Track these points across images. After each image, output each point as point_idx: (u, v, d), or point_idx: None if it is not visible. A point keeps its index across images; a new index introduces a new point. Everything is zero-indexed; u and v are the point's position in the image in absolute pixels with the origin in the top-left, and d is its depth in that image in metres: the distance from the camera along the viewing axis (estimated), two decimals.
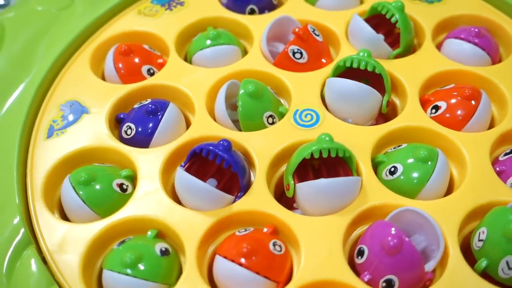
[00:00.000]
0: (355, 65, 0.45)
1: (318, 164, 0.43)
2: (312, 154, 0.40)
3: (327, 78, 0.47)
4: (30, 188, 0.43)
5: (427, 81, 0.47)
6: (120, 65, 0.50)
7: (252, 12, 0.55)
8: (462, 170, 0.42)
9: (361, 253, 0.37)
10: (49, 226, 0.41)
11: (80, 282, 0.38)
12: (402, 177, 0.41)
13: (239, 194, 0.41)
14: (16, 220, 0.41)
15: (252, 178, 0.42)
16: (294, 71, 0.48)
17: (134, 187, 0.43)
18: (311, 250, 0.38)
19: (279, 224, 0.40)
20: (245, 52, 0.52)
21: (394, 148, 0.44)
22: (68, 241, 0.40)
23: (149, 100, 0.47)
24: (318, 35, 0.49)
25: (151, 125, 0.45)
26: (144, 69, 0.50)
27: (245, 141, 0.44)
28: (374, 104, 0.45)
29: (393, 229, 0.36)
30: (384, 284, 0.36)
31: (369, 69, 0.45)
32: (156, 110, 0.45)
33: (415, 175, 0.41)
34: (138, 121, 0.46)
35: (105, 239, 0.40)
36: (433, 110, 0.45)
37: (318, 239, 0.39)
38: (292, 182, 0.40)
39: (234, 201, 0.41)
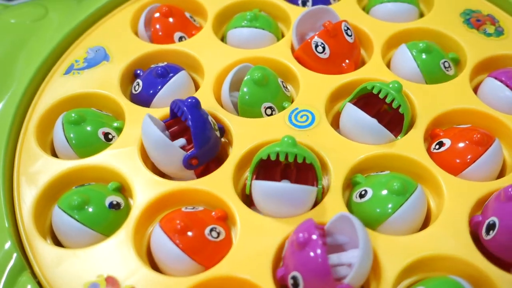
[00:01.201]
0: (381, 96, 0.42)
1: (294, 166, 0.42)
2: (278, 155, 0.38)
3: (340, 84, 0.45)
4: (19, 210, 0.41)
5: (440, 116, 0.44)
6: (157, 26, 0.51)
7: (304, 4, 0.54)
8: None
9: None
10: (42, 250, 0.39)
11: None
12: (368, 204, 0.39)
13: (192, 151, 0.41)
14: (7, 245, 0.39)
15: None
16: (313, 64, 0.47)
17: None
18: (242, 246, 0.37)
19: (229, 212, 0.39)
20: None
21: (377, 172, 0.41)
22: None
23: (165, 63, 0.48)
24: (350, 35, 0.47)
25: (156, 86, 0.46)
26: (177, 35, 0.51)
27: (233, 125, 0.44)
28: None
29: (309, 224, 0.35)
30: (291, 281, 0.35)
31: (394, 106, 0.42)
32: (165, 73, 0.46)
33: (380, 205, 0.38)
34: (147, 80, 0.47)
35: None
36: (437, 146, 0.42)
37: (254, 237, 0.38)
38: (250, 179, 0.40)
39: (188, 155, 0.41)
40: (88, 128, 0.44)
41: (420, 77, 0.46)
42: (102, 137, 0.44)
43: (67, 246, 0.40)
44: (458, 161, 0.41)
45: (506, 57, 0.47)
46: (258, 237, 0.38)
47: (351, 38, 0.47)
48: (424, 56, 0.46)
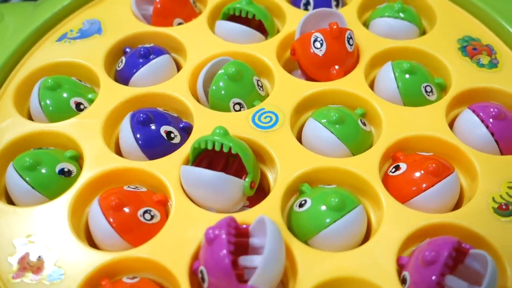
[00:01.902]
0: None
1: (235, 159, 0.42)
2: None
3: (313, 92, 0.45)
4: None
5: (404, 140, 0.43)
6: (158, 6, 0.52)
7: (306, 7, 0.53)
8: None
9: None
10: None
11: None
12: (305, 214, 0.38)
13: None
14: None
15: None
16: (304, 60, 0.47)
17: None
18: (168, 232, 0.38)
19: (170, 197, 0.40)
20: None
21: (325, 185, 0.41)
22: None
23: (151, 45, 0.49)
24: (351, 45, 0.47)
25: (137, 65, 0.47)
26: (176, 21, 0.52)
27: (196, 115, 0.44)
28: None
29: (223, 222, 0.35)
30: (200, 275, 0.35)
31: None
32: (147, 54, 0.47)
33: (316, 218, 0.38)
34: (130, 59, 0.48)
35: None
36: (393, 169, 0.41)
37: (182, 226, 0.38)
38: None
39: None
40: (63, 95, 0.46)
41: (398, 98, 0.45)
42: (73, 106, 0.46)
43: (17, 205, 0.41)
44: (409, 187, 0.40)
45: (490, 90, 0.45)
46: (186, 226, 0.38)
47: (351, 48, 0.47)
48: (407, 76, 0.45)
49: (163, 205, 0.40)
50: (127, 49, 0.49)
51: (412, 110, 0.44)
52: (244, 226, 0.37)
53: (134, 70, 0.47)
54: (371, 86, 0.47)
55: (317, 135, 0.43)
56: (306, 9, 0.53)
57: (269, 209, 0.39)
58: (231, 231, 0.34)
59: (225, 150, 0.39)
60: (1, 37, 0.50)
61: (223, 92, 0.45)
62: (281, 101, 0.45)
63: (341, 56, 0.46)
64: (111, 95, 0.46)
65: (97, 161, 0.42)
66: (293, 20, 0.50)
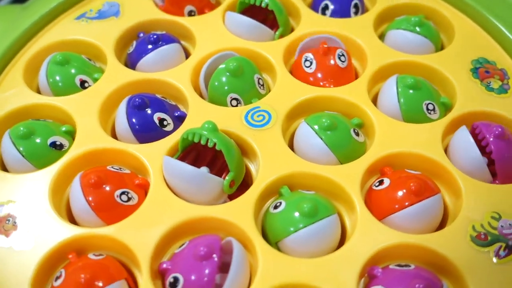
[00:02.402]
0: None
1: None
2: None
3: (312, 97, 0.45)
4: None
5: (393, 155, 0.42)
6: None
7: (323, 12, 0.53)
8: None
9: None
10: None
11: None
12: (277, 216, 0.38)
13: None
14: None
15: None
16: (300, 76, 0.47)
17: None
18: (139, 216, 0.39)
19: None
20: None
21: (304, 190, 0.40)
22: None
23: (163, 32, 0.50)
24: (343, 61, 0.47)
25: (146, 51, 0.48)
26: (188, 8, 0.53)
27: (193, 106, 0.45)
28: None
29: (214, 241, 0.36)
30: (171, 280, 0.36)
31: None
32: (156, 41, 0.48)
33: (286, 221, 0.38)
34: (140, 44, 0.49)
35: None
36: (377, 183, 0.40)
37: (154, 211, 0.39)
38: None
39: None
40: (70, 71, 0.47)
41: (398, 112, 0.44)
42: (78, 83, 0.47)
43: (10, 171, 0.43)
44: (389, 204, 0.39)
45: (494, 115, 0.44)
46: (158, 212, 0.39)
47: (343, 64, 0.46)
48: (410, 92, 0.44)
49: (143, 189, 0.41)
50: (141, 34, 0.50)
51: (408, 126, 0.43)
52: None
53: (142, 55, 0.48)
54: (377, 97, 0.46)
55: (306, 140, 0.42)
56: (323, 13, 0.52)
57: (242, 207, 0.39)
58: (221, 254, 0.36)
59: (210, 145, 0.40)
60: None
61: (222, 86, 0.45)
62: (278, 101, 0.45)
63: (332, 72, 0.46)
64: (114, 77, 0.47)
65: (87, 139, 0.43)
66: (307, 23, 0.50)
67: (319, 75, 0.46)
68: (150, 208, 0.39)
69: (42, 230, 0.38)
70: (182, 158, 0.42)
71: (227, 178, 0.40)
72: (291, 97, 0.45)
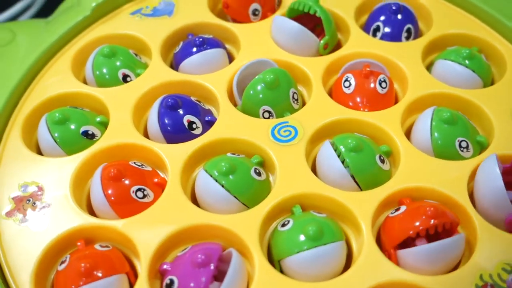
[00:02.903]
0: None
1: None
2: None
3: (343, 118, 0.44)
4: None
5: (415, 189, 0.41)
6: None
7: (374, 33, 0.52)
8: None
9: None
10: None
11: None
12: (284, 234, 0.38)
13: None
14: None
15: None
16: (337, 95, 0.47)
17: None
18: (150, 215, 0.40)
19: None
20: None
21: (316, 212, 0.40)
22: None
23: (210, 36, 0.51)
24: (383, 87, 0.46)
25: (190, 53, 0.49)
26: (252, 7, 0.53)
27: (223, 112, 0.45)
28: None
29: (214, 250, 0.37)
30: (168, 281, 0.37)
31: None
32: (201, 44, 0.49)
33: (290, 241, 0.38)
34: (185, 45, 0.50)
35: None
36: (394, 211, 0.39)
37: (164, 212, 0.40)
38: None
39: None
40: (115, 64, 0.49)
41: (430, 146, 0.43)
42: (121, 76, 0.48)
43: (43, 155, 0.45)
44: (401, 229, 0.38)
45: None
46: (168, 213, 0.40)
47: (383, 90, 0.46)
48: (444, 126, 0.43)
49: (161, 188, 0.42)
50: (190, 36, 0.51)
51: (436, 161, 0.42)
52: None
53: (186, 57, 0.49)
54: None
55: (326, 161, 0.42)
56: (374, 35, 0.51)
57: (250, 220, 0.39)
58: (218, 264, 0.36)
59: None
60: (13, 56, 0.50)
61: (256, 97, 0.45)
62: (308, 119, 0.44)
63: (369, 96, 0.46)
64: (155, 75, 0.48)
65: (117, 132, 0.44)
66: (355, 42, 0.50)
67: (357, 97, 0.46)
68: (162, 207, 0.40)
69: (57, 215, 0.40)
70: None
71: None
72: (322, 116, 0.44)
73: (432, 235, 0.38)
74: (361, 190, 0.41)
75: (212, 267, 0.36)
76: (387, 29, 0.51)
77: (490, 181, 0.39)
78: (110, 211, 0.40)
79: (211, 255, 0.36)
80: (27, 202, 0.41)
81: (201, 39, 0.49)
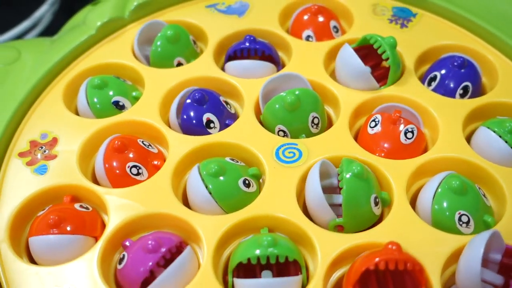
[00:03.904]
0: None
1: None
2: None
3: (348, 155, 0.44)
4: None
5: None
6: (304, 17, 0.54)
7: (429, 84, 0.49)
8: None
9: None
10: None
11: None
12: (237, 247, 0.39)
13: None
14: None
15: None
16: (361, 132, 0.46)
17: None
18: (133, 190, 0.42)
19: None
20: None
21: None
22: None
23: (266, 42, 0.52)
24: (409, 138, 0.44)
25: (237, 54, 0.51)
26: (305, 33, 0.54)
27: (241, 120, 0.46)
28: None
29: (170, 239, 0.39)
30: (121, 256, 0.39)
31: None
32: (251, 49, 0.50)
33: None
34: (238, 45, 0.51)
35: None
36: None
37: (147, 192, 0.42)
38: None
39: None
40: (172, 51, 0.51)
41: (429, 212, 0.40)
42: (175, 64, 0.51)
43: (80, 115, 0.49)
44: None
45: None
46: (149, 196, 0.42)
47: (406, 140, 0.44)
48: (449, 195, 0.40)
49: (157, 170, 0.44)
50: (247, 36, 0.52)
51: (423, 227, 0.39)
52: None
53: (232, 57, 0.51)
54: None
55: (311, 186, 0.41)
56: (429, 84, 0.49)
57: (216, 225, 0.40)
58: (166, 253, 0.38)
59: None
60: (19, 74, 0.50)
61: (273, 115, 0.45)
62: (318, 147, 0.44)
63: (391, 142, 0.44)
64: (199, 66, 0.50)
65: (140, 110, 0.47)
66: (403, 87, 0.48)
67: (378, 139, 0.44)
68: (144, 189, 0.42)
69: (57, 168, 0.44)
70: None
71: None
72: (332, 149, 0.43)
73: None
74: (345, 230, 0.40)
75: (160, 254, 0.37)
76: (442, 81, 0.48)
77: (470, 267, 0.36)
78: (105, 178, 0.43)
79: (163, 243, 0.38)
80: (39, 148, 0.45)
81: (252, 40, 0.50)
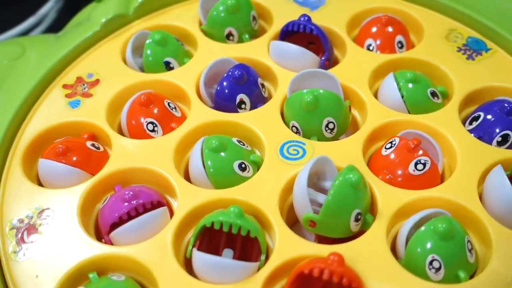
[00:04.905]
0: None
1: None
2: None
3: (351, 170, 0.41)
4: None
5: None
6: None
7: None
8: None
9: None
10: None
11: None
12: None
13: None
14: None
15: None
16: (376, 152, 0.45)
17: None
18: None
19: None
20: None
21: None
22: None
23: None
24: (419, 170, 0.42)
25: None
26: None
27: (259, 111, 0.47)
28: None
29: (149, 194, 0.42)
30: (106, 197, 0.43)
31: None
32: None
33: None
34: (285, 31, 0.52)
35: None
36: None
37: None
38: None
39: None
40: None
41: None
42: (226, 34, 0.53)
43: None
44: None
45: None
46: (141, 154, 0.44)
47: (415, 171, 0.42)
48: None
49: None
50: (303, 16, 0.52)
51: None
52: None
53: (285, 32, 0.52)
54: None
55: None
56: (470, 124, 0.46)
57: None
58: (140, 208, 0.41)
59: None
60: (23, 70, 0.51)
61: (291, 110, 0.46)
62: (323, 152, 0.43)
63: (398, 169, 0.43)
64: (251, 46, 0.52)
65: (183, 74, 0.50)
66: (439, 118, 0.46)
67: (387, 162, 0.43)
68: (149, 145, 0.45)
69: (88, 106, 0.48)
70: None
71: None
72: (336, 158, 0.43)
73: None
74: None
75: (133, 205, 0.40)
76: (484, 123, 0.45)
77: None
78: (125, 127, 0.47)
79: (140, 197, 0.41)
80: (82, 85, 0.50)
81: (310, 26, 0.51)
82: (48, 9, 0.71)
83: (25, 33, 0.69)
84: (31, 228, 0.41)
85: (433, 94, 0.47)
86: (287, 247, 0.39)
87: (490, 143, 0.45)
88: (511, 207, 0.40)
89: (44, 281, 0.38)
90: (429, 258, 0.38)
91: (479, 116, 0.46)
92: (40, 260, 0.39)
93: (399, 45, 0.52)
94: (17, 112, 0.47)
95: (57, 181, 0.44)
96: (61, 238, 0.40)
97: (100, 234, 0.42)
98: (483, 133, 0.45)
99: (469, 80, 0.48)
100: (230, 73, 0.47)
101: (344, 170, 0.39)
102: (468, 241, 0.38)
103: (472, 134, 0.45)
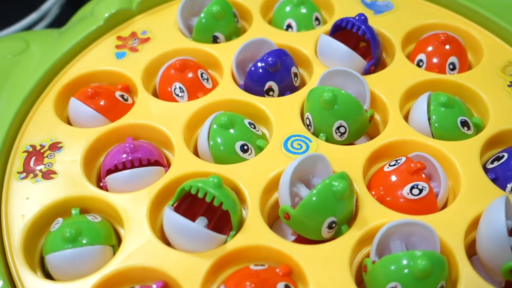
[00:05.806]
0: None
1: None
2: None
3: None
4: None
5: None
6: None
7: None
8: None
9: None
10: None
11: None
12: None
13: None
14: None
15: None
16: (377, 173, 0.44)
17: None
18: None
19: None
20: None
21: None
22: None
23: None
24: (414, 194, 0.41)
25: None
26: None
27: (288, 98, 0.47)
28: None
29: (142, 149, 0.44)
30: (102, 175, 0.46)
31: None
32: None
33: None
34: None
35: None
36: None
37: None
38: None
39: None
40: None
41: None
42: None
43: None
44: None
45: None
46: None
47: (409, 195, 0.41)
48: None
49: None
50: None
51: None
52: None
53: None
54: None
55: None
56: (492, 163, 0.43)
57: None
58: (136, 162, 0.43)
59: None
60: (27, 65, 0.51)
61: (308, 102, 0.46)
62: (325, 153, 0.42)
63: (394, 190, 0.41)
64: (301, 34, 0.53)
65: (223, 48, 0.52)
66: (461, 149, 0.44)
67: (384, 180, 0.42)
68: (167, 108, 0.47)
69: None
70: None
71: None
72: (336, 163, 0.42)
73: None
74: None
75: (129, 157, 0.43)
76: (504, 166, 0.42)
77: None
78: (157, 87, 0.50)
79: (139, 151, 0.44)
80: (134, 40, 0.53)
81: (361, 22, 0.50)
82: (51, 4, 0.71)
83: (28, 28, 0.69)
84: (39, 156, 0.45)
85: (464, 123, 0.44)
86: (250, 232, 0.39)
87: (503, 186, 0.42)
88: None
89: (31, 204, 0.42)
90: (391, 284, 0.36)
91: (502, 157, 0.43)
92: (35, 186, 0.43)
93: (451, 66, 0.50)
94: (21, 106, 0.48)
95: (80, 121, 0.48)
96: (61, 172, 0.44)
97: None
98: (499, 175, 0.42)
99: (507, 117, 0.45)
100: (264, 58, 0.47)
101: (333, 175, 0.39)
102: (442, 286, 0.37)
103: (488, 174, 0.42)
